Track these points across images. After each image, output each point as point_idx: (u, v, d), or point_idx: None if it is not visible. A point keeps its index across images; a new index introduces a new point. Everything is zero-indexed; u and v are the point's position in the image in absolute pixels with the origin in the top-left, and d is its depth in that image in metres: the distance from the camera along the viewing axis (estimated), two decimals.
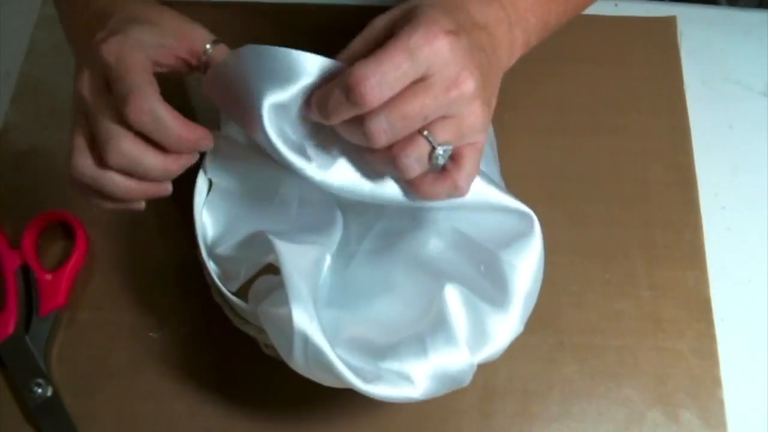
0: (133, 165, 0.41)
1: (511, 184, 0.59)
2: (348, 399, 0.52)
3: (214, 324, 0.54)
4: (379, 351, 0.42)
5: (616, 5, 0.67)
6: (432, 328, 0.42)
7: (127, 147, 0.40)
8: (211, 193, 0.49)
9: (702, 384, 0.52)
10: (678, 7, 0.67)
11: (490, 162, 0.45)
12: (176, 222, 0.58)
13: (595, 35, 0.65)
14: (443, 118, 0.38)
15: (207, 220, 0.48)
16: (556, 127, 0.61)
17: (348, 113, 0.37)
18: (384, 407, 0.51)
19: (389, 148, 0.39)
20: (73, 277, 0.55)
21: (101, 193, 0.43)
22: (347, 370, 0.39)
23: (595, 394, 0.52)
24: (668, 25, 0.66)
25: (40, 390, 0.52)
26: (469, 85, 0.38)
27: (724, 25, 0.67)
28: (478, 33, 0.41)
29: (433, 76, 0.37)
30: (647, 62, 0.64)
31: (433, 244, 0.45)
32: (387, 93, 0.36)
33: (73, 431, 0.51)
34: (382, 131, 0.37)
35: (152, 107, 0.39)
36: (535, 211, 0.58)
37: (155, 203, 0.58)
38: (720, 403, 0.51)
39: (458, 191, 0.41)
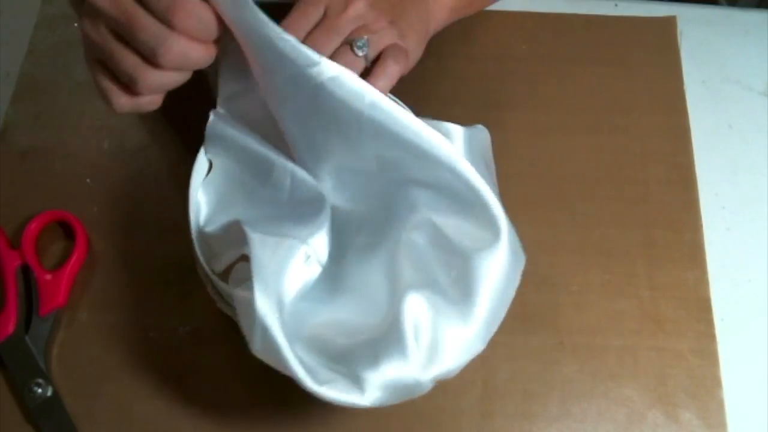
0: (184, 60, 0.43)
1: (512, 184, 0.59)
2: None
3: (214, 324, 0.54)
4: (336, 353, 0.41)
5: (616, 5, 0.67)
6: (386, 336, 0.41)
7: (177, 46, 0.42)
8: (209, 173, 0.50)
9: (702, 384, 0.52)
10: (678, 7, 0.67)
11: (485, 176, 0.44)
12: (176, 222, 0.58)
13: (595, 35, 0.65)
14: (356, 29, 0.46)
15: (201, 199, 0.49)
16: (556, 127, 0.61)
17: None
18: (383, 408, 0.51)
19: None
20: (73, 277, 0.55)
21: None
22: (300, 368, 0.39)
23: (595, 394, 0.52)
24: (668, 25, 0.66)
25: (40, 390, 0.52)
26: (359, 2, 0.46)
27: (724, 25, 0.67)
28: None
29: (327, 11, 0.46)
30: (647, 62, 0.64)
31: (414, 238, 0.45)
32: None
33: (73, 431, 0.51)
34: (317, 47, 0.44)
35: (196, 11, 0.42)
36: (535, 211, 0.58)
37: (156, 203, 0.58)
38: (720, 403, 0.51)
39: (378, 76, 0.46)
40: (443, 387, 0.52)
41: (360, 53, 0.45)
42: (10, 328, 0.53)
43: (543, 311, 0.55)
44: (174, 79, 0.44)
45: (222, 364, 0.53)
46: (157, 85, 0.44)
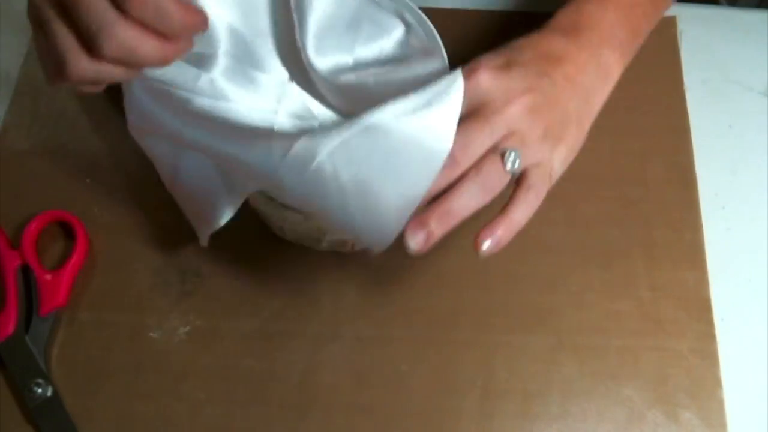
0: (130, 54, 0.37)
1: (512, 184, 0.59)
2: (347, 399, 0.52)
3: (214, 324, 0.54)
4: None
5: None
6: None
7: (123, 35, 0.36)
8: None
9: (702, 384, 0.52)
10: (678, 7, 0.67)
11: None
12: (176, 222, 0.58)
13: None
14: (509, 134, 0.41)
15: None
16: None
17: None
18: (383, 408, 0.52)
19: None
20: (73, 277, 0.55)
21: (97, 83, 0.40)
22: None
23: (595, 394, 0.52)
24: (668, 25, 0.66)
25: (40, 390, 0.52)
26: (517, 105, 0.42)
27: (724, 25, 0.67)
28: (543, 63, 0.43)
29: (483, 106, 0.41)
30: (647, 62, 0.64)
31: None
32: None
33: (73, 431, 0.51)
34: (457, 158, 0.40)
35: None
36: (536, 211, 0.58)
37: (155, 203, 0.58)
38: (720, 403, 0.51)
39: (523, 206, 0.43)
40: (443, 387, 0.52)
41: (509, 167, 0.41)
42: (10, 328, 0.53)
43: (543, 311, 0.55)
44: (113, 74, 0.38)
45: (222, 364, 0.53)
46: (90, 76, 0.38)
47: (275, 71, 0.51)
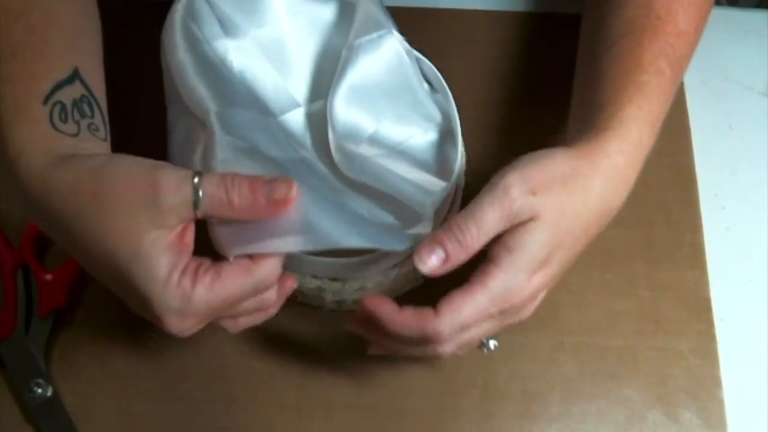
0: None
1: None
2: (348, 400, 0.52)
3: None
4: None
5: None
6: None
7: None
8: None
9: (702, 384, 0.52)
10: None
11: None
12: None
13: None
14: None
15: None
16: (557, 128, 0.61)
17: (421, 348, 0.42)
18: (383, 408, 0.52)
19: None
20: (73, 277, 0.55)
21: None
22: None
23: (595, 394, 0.52)
24: None
25: (40, 390, 0.52)
26: (527, 312, 0.43)
27: (724, 25, 0.67)
28: (584, 234, 0.43)
29: (504, 313, 0.42)
30: None
31: None
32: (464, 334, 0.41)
33: (73, 431, 0.51)
34: (449, 353, 0.42)
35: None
36: None
37: None
38: (720, 403, 0.51)
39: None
40: (443, 387, 0.52)
41: (485, 351, 0.45)
42: (10, 328, 0.53)
43: (543, 311, 0.54)
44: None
45: (222, 364, 0.53)
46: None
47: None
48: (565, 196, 0.41)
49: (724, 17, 0.68)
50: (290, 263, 0.49)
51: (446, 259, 0.40)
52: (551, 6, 0.67)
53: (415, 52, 0.53)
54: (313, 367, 0.53)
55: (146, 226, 0.37)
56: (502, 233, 0.41)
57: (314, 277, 0.50)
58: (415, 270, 0.41)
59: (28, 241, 0.55)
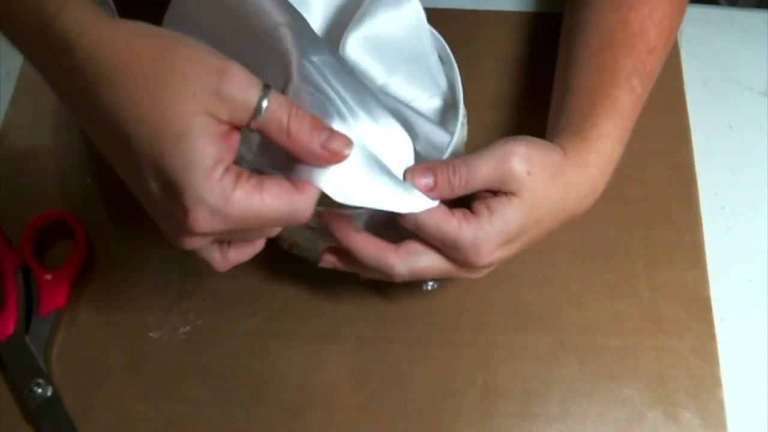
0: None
1: None
2: (347, 399, 0.52)
3: (214, 324, 0.54)
4: None
5: None
6: None
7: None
8: None
9: (702, 384, 0.52)
10: None
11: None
12: None
13: None
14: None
15: None
16: None
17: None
18: (383, 408, 0.52)
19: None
20: (73, 277, 0.55)
21: None
22: None
23: (595, 394, 0.52)
24: None
25: (40, 390, 0.52)
26: (477, 276, 0.46)
27: (724, 25, 0.67)
28: (552, 222, 0.46)
29: (458, 263, 0.44)
30: None
31: None
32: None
33: (73, 431, 0.51)
34: (398, 280, 0.44)
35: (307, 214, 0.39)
36: None
37: None
38: (720, 403, 0.51)
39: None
40: (443, 387, 0.52)
41: (423, 287, 0.49)
42: (10, 328, 0.53)
43: (543, 311, 0.55)
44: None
45: (222, 364, 0.53)
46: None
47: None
48: (550, 188, 0.44)
49: (724, 17, 0.68)
50: None
51: (432, 188, 0.42)
52: (552, 6, 0.67)
53: (432, 29, 0.53)
54: (313, 366, 0.53)
55: (202, 108, 0.34)
56: (485, 195, 0.43)
57: (308, 228, 0.50)
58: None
59: (28, 241, 0.55)
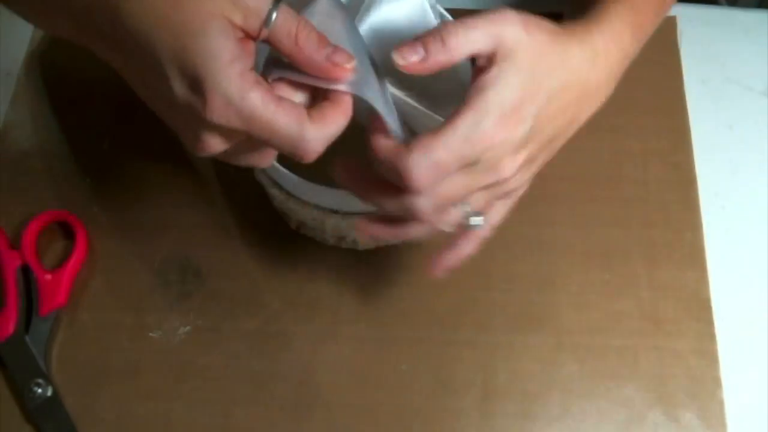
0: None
1: None
2: (347, 399, 0.52)
3: (214, 324, 0.54)
4: None
5: None
6: None
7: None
8: None
9: (702, 384, 0.52)
10: (678, 7, 0.67)
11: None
12: (176, 221, 0.58)
13: None
14: (483, 189, 0.42)
15: None
16: None
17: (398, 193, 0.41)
18: (383, 408, 0.52)
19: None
20: (73, 277, 0.55)
21: None
22: None
23: (595, 394, 0.52)
24: (668, 25, 0.66)
25: (40, 390, 0.52)
26: (510, 168, 0.41)
27: (724, 25, 0.67)
28: (557, 98, 0.42)
29: (480, 162, 0.40)
30: (647, 62, 0.64)
31: None
32: (437, 180, 0.40)
33: (73, 431, 0.51)
34: (424, 212, 0.40)
35: (324, 138, 0.38)
36: (535, 211, 0.58)
37: (155, 203, 0.58)
38: (720, 403, 0.51)
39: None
40: (443, 387, 0.52)
41: (469, 226, 0.44)
42: (10, 328, 0.53)
43: (543, 311, 0.55)
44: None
45: (222, 364, 0.53)
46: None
47: None
48: (547, 46, 0.41)
49: (724, 17, 0.68)
50: (295, 190, 0.51)
51: (425, 58, 0.40)
52: (552, 6, 0.67)
53: (441, 9, 0.53)
54: (313, 366, 0.53)
55: (219, 10, 0.37)
56: (476, 77, 0.41)
57: (317, 207, 0.51)
58: None
59: (28, 241, 0.55)
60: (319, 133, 0.37)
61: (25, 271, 0.55)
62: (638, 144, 0.61)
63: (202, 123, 0.37)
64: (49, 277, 0.55)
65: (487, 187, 0.42)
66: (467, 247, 0.45)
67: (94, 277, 0.56)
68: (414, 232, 0.44)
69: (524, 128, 0.41)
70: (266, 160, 0.42)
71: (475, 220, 0.43)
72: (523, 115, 0.40)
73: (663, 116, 0.62)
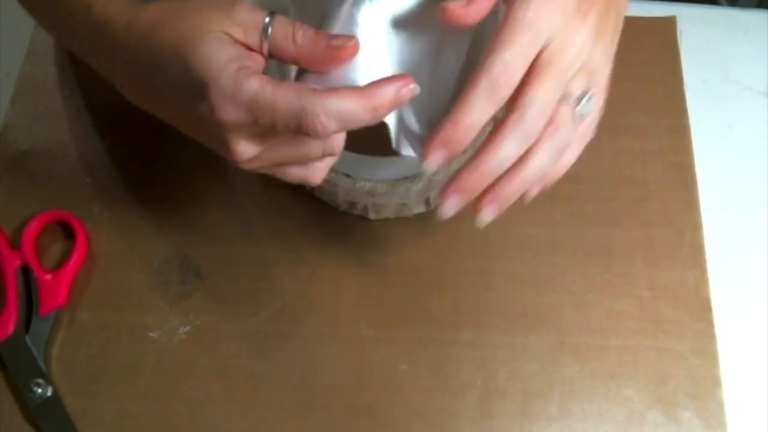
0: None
1: None
2: (347, 399, 0.52)
3: (214, 324, 0.54)
4: None
5: None
6: None
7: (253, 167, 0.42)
8: None
9: (702, 384, 0.52)
10: (678, 7, 0.67)
11: None
12: (176, 221, 0.58)
13: None
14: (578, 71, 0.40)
15: None
16: None
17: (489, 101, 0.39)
18: (383, 408, 0.51)
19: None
20: (73, 277, 0.55)
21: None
22: None
23: (595, 394, 0.52)
24: (668, 25, 0.66)
25: (40, 390, 0.52)
26: (586, 41, 0.40)
27: (724, 25, 0.67)
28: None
29: (550, 44, 0.39)
30: (647, 62, 0.64)
31: None
32: (517, 78, 0.38)
33: (73, 431, 0.51)
34: (528, 121, 0.39)
35: (327, 110, 0.37)
36: (535, 211, 0.58)
37: (155, 203, 0.58)
38: (720, 403, 0.51)
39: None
40: (443, 387, 0.52)
41: (582, 118, 0.42)
42: (10, 328, 0.53)
43: (543, 311, 0.55)
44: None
45: (222, 364, 0.53)
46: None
47: None
48: None
49: (724, 17, 0.68)
50: None
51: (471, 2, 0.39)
52: None
53: None
54: (313, 366, 0.53)
55: (218, 27, 0.39)
56: None
57: (330, 169, 0.51)
58: (424, 191, 0.44)
59: (28, 241, 0.55)
60: (321, 103, 0.37)
61: (25, 271, 0.55)
62: (638, 144, 0.61)
63: (219, 127, 0.39)
64: (49, 277, 0.55)
65: (573, 71, 0.40)
66: (575, 150, 0.44)
67: (94, 277, 0.56)
68: (538, 163, 0.41)
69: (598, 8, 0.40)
70: (314, 172, 0.42)
71: (586, 106, 0.41)
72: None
73: (663, 116, 0.62)
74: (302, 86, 0.38)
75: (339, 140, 0.41)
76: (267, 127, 0.38)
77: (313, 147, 0.40)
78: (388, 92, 0.38)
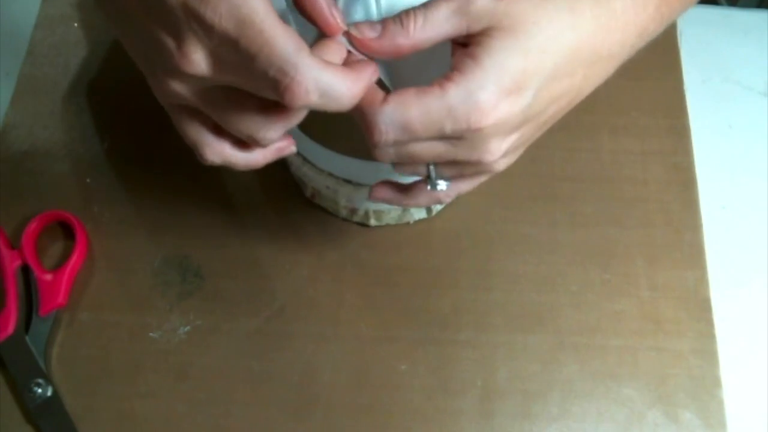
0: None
1: (512, 184, 0.59)
2: (347, 399, 0.52)
3: (214, 324, 0.54)
4: None
5: None
6: None
7: (214, 156, 0.39)
8: None
9: (702, 384, 0.52)
10: None
11: None
12: (176, 222, 0.58)
13: None
14: (457, 163, 0.38)
15: None
16: (556, 127, 0.61)
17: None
18: (383, 408, 0.52)
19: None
20: (73, 277, 0.55)
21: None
22: None
23: (595, 394, 0.52)
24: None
25: (40, 390, 0.52)
26: (496, 152, 0.37)
27: (724, 25, 0.67)
28: (564, 66, 0.37)
29: (463, 139, 0.36)
30: (647, 62, 0.64)
31: None
32: (400, 143, 0.36)
33: (73, 431, 0.51)
34: (387, 158, 0.37)
35: (317, 81, 0.33)
36: (535, 212, 0.58)
37: (155, 203, 0.58)
38: (720, 403, 0.51)
39: (440, 201, 0.42)
40: (443, 387, 0.52)
41: (434, 188, 0.40)
42: (10, 328, 0.53)
43: (543, 311, 0.55)
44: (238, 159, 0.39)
45: (222, 364, 0.53)
46: (219, 163, 0.39)
47: None
48: (541, 10, 0.36)
49: (724, 17, 0.68)
50: (311, 156, 0.52)
51: (382, 35, 0.36)
52: None
53: None
54: (313, 366, 0.53)
55: None
56: (465, 42, 0.36)
57: (330, 175, 0.52)
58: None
59: (28, 241, 0.55)
60: (313, 70, 0.32)
61: (25, 271, 0.55)
62: (638, 144, 0.61)
63: (186, 17, 0.32)
64: (49, 277, 0.55)
65: (462, 163, 0.38)
66: (420, 201, 0.41)
67: (94, 277, 0.56)
68: (420, 201, 0.41)
69: (525, 102, 0.36)
70: (265, 128, 0.37)
71: (440, 185, 0.40)
72: (526, 87, 0.36)
73: (663, 116, 0.62)
74: (304, 43, 0.33)
75: (282, 138, 0.38)
76: (241, 57, 0.32)
77: (267, 123, 0.36)
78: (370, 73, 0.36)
